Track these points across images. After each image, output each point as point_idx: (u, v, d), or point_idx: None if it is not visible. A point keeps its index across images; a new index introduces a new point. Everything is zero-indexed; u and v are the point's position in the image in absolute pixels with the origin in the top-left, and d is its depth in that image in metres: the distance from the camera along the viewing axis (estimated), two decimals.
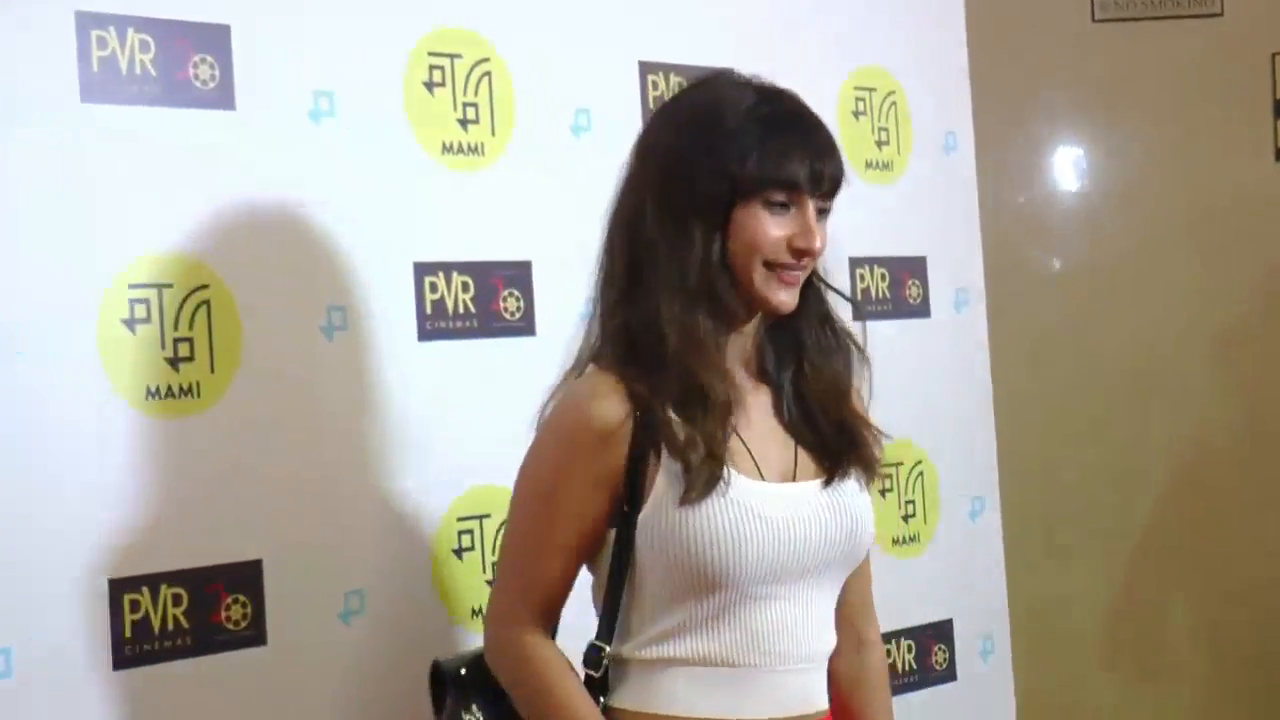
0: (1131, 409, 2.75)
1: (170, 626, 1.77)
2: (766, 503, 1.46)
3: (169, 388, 1.79)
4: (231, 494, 1.83)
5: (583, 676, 1.52)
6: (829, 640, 1.56)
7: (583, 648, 1.53)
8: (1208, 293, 2.74)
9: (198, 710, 1.79)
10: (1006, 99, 2.78)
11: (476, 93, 2.08)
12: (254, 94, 1.88)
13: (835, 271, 2.51)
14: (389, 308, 1.97)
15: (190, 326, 1.81)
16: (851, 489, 1.55)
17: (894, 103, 2.64)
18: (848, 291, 2.26)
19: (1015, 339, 2.77)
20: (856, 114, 2.59)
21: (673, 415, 1.45)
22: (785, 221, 1.47)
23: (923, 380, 2.64)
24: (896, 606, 2.56)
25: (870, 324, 2.53)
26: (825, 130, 1.52)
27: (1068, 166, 2.83)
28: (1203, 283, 2.74)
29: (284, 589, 1.85)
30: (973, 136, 2.75)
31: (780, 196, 1.46)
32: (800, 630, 1.51)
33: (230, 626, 1.82)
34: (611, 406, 1.45)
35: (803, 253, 1.47)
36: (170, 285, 1.80)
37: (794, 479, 1.52)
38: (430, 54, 2.04)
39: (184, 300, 1.81)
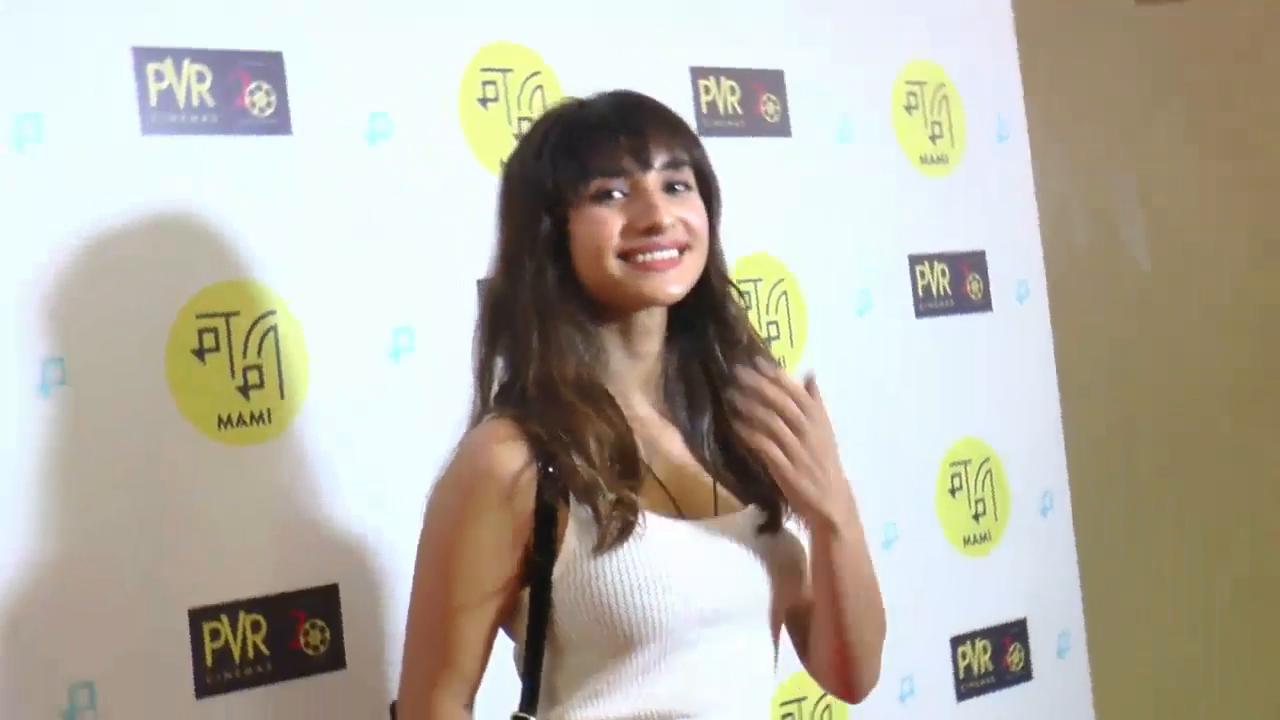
0: (1207, 405, 2.61)
1: (250, 654, 1.77)
2: (687, 542, 1.36)
3: (240, 415, 1.79)
4: (306, 519, 1.82)
5: None
6: (776, 672, 1.46)
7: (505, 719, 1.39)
8: None
9: None
10: (1061, 87, 2.73)
11: (530, 106, 2.07)
12: (310, 119, 1.88)
13: (895, 272, 2.61)
14: (453, 328, 1.96)
15: (259, 353, 1.81)
16: (785, 528, 1.44)
17: (945, 95, 2.62)
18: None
19: (1083, 332, 2.71)
20: (909, 109, 2.56)
21: (576, 459, 1.34)
22: (623, 208, 1.37)
23: (988, 376, 2.62)
24: (970, 606, 2.55)
25: (933, 320, 2.63)
26: (649, 105, 1.41)
27: (1123, 156, 2.75)
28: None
29: (360, 612, 1.85)
30: (1025, 124, 2.72)
31: (606, 185, 1.37)
32: (745, 666, 1.41)
33: (309, 652, 1.82)
34: (511, 453, 1.34)
35: (649, 229, 1.36)
36: (237, 313, 1.80)
37: (715, 513, 1.41)
38: (482, 69, 2.04)
39: (251, 327, 1.81)
